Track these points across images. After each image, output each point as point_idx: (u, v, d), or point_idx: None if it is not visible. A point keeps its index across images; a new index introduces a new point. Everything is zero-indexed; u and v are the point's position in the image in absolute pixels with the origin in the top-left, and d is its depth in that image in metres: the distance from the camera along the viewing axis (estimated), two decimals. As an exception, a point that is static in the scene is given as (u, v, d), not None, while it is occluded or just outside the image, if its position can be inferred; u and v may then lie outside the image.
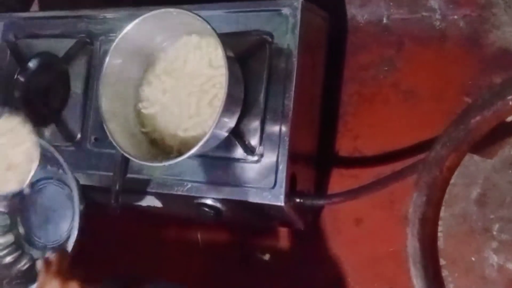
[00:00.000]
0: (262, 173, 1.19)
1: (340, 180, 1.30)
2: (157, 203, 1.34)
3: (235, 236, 1.42)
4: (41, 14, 1.57)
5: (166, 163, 1.19)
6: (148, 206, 1.35)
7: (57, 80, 1.42)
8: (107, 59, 1.23)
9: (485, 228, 1.17)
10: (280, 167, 1.17)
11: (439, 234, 1.00)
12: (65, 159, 1.25)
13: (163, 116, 1.26)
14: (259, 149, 1.19)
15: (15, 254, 1.36)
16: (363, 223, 1.29)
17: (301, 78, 1.18)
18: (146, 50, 1.27)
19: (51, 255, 1.12)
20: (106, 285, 1.32)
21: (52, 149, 1.25)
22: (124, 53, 1.24)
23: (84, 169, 1.34)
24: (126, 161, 1.28)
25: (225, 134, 1.18)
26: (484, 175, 1.18)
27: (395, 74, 1.29)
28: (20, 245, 1.37)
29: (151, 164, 1.21)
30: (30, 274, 1.28)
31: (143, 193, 1.31)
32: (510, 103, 0.77)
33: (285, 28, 1.19)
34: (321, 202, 1.28)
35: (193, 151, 1.12)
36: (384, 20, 1.31)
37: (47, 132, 1.41)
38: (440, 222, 0.87)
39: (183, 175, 1.25)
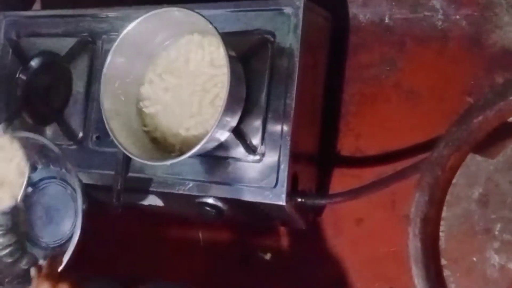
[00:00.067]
0: (263, 172, 1.19)
1: (342, 180, 1.30)
2: (159, 202, 1.34)
3: (236, 235, 1.42)
4: (43, 13, 1.57)
5: (168, 162, 1.19)
6: (150, 205, 1.35)
7: (59, 79, 1.42)
8: (109, 58, 1.23)
9: (486, 228, 1.17)
10: (282, 166, 1.17)
11: (441, 234, 1.00)
12: (67, 158, 1.25)
13: (164, 115, 1.26)
14: (260, 149, 1.19)
15: (17, 254, 1.36)
16: (365, 223, 1.29)
17: (303, 78, 1.18)
18: (148, 49, 1.27)
19: (43, 262, 1.13)
20: (106, 285, 1.33)
21: (55, 148, 1.25)
22: (126, 52, 1.24)
23: (86, 167, 1.34)
24: (127, 160, 1.28)
25: (226, 133, 1.18)
26: (486, 175, 1.18)
27: (397, 73, 1.28)
28: (22, 244, 1.37)
29: (152, 163, 1.21)
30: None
31: (145, 192, 1.31)
32: (513, 103, 0.78)
33: (287, 27, 1.19)
34: (322, 201, 1.28)
35: (194, 150, 1.12)
36: (386, 20, 1.31)
37: (49, 131, 1.41)
38: (441, 222, 0.87)
39: (185, 174, 1.25)
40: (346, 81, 1.33)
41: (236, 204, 1.23)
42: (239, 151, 1.20)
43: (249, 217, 1.33)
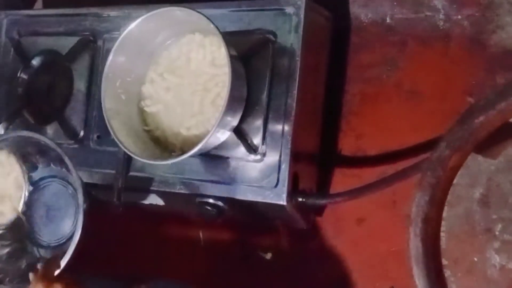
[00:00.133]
0: (264, 172, 1.19)
1: (343, 180, 1.30)
2: (159, 201, 1.34)
3: (237, 235, 1.42)
4: (45, 11, 1.57)
5: (169, 162, 1.19)
6: (150, 204, 1.35)
7: (60, 78, 1.42)
8: (110, 57, 1.23)
9: (487, 229, 1.17)
10: (283, 166, 1.17)
11: (442, 234, 0.99)
12: (68, 157, 1.25)
13: (166, 115, 1.26)
14: (261, 148, 1.19)
15: (17, 253, 1.36)
16: (366, 223, 1.29)
17: (304, 77, 1.18)
18: (149, 48, 1.27)
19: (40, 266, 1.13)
20: (107, 284, 1.33)
21: (57, 147, 1.25)
22: (127, 51, 1.24)
23: (87, 166, 1.34)
24: (128, 159, 1.28)
25: (227, 132, 1.18)
26: (487, 175, 1.17)
27: (398, 73, 1.28)
28: (22, 244, 1.37)
29: (153, 162, 1.21)
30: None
31: (146, 191, 1.31)
32: (514, 103, 0.78)
33: (289, 27, 1.19)
34: (323, 201, 1.27)
35: (195, 149, 1.12)
36: (388, 20, 1.31)
37: (50, 130, 1.41)
38: (442, 222, 0.87)
39: (186, 173, 1.25)
40: (347, 81, 1.33)
41: (237, 204, 1.23)
42: (240, 150, 1.20)
43: (249, 217, 1.33)
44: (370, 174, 1.25)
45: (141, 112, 1.28)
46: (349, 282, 1.29)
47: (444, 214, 0.88)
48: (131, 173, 1.29)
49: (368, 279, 1.28)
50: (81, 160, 1.34)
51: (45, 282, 1.06)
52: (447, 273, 1.16)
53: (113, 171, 1.29)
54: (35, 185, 1.37)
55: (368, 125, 1.30)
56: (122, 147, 1.19)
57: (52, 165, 1.36)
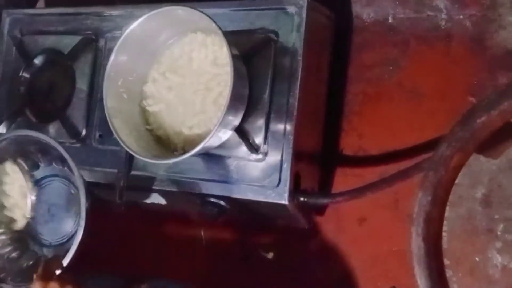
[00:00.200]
0: (266, 171, 1.19)
1: (344, 179, 1.30)
2: (161, 200, 1.34)
3: (238, 234, 1.42)
4: (47, 10, 1.57)
5: (171, 161, 1.19)
6: (152, 203, 1.35)
7: (62, 76, 1.42)
8: (113, 56, 1.23)
9: (489, 229, 1.17)
10: (284, 165, 1.17)
11: (444, 234, 1.00)
12: (70, 156, 1.25)
13: (168, 114, 1.26)
14: (263, 148, 1.19)
15: (19, 251, 1.36)
16: (367, 222, 1.29)
17: (306, 77, 1.18)
18: (152, 48, 1.27)
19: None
20: (108, 283, 1.33)
21: (59, 146, 1.25)
22: (130, 50, 1.24)
23: (89, 165, 1.34)
24: (130, 158, 1.28)
25: (229, 132, 1.18)
26: (489, 175, 1.17)
27: (400, 73, 1.28)
28: (24, 242, 1.37)
29: (155, 161, 1.21)
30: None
31: (147, 190, 1.31)
32: (516, 103, 0.77)
33: (291, 26, 1.19)
34: (325, 200, 1.27)
35: (197, 149, 1.12)
36: (390, 20, 1.31)
37: (52, 128, 1.41)
38: (444, 222, 0.87)
39: (188, 172, 1.25)
40: (349, 80, 1.33)
41: (238, 203, 1.23)
42: (242, 150, 1.20)
43: (251, 216, 1.33)
44: (372, 173, 1.25)
45: (143, 111, 1.28)
46: (350, 281, 1.29)
47: (446, 214, 0.88)
48: (133, 172, 1.29)
49: (369, 279, 1.28)
50: (83, 159, 1.34)
51: (43, 281, 1.06)
52: (448, 273, 1.16)
53: (115, 170, 1.29)
54: (37, 184, 1.37)
55: (370, 124, 1.30)
56: (124, 146, 1.19)
57: (54, 164, 1.36)
